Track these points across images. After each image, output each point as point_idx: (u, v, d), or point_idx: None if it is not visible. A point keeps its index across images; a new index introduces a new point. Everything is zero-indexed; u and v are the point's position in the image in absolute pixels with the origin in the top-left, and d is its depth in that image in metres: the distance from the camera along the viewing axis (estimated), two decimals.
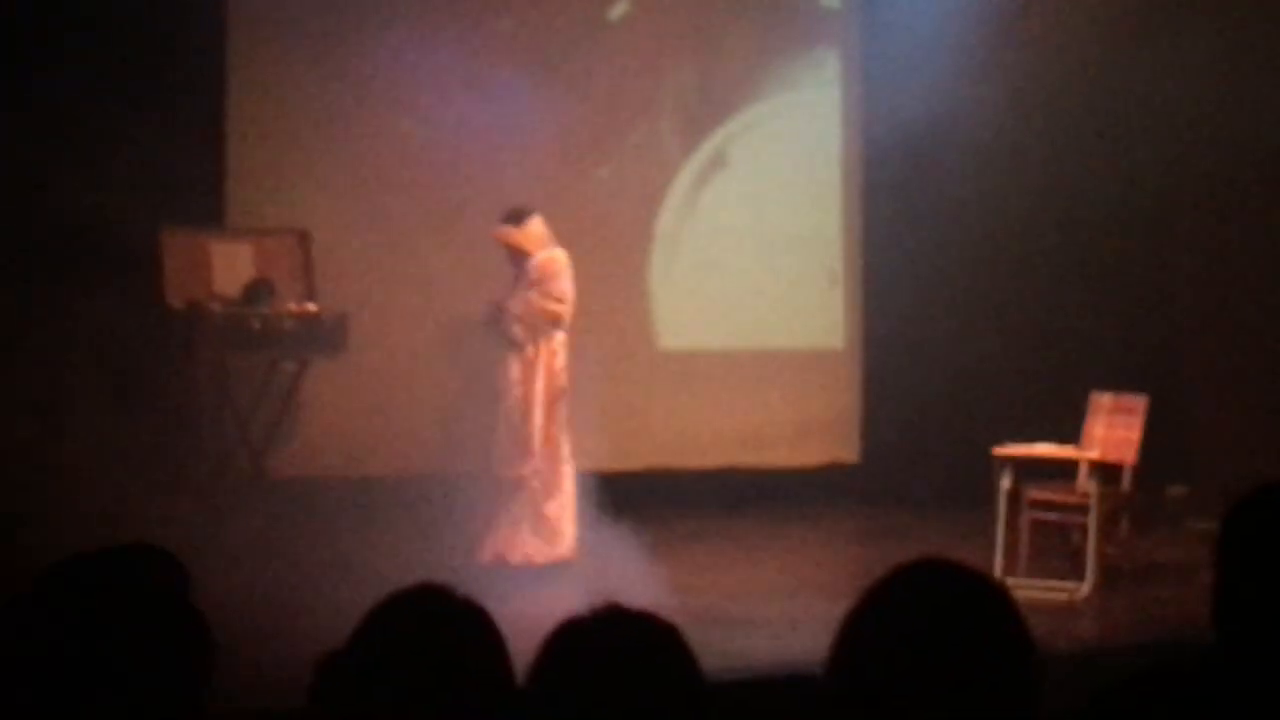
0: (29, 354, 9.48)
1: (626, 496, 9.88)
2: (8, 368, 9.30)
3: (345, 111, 11.48)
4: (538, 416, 9.81)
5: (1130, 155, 12.46)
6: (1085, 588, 9.52)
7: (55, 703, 2.46)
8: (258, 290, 10.75)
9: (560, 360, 9.85)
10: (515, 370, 9.82)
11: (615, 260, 12.26)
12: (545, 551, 9.72)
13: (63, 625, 2.51)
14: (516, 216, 9.94)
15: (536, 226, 9.93)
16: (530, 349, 9.83)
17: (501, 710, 2.61)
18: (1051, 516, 9.81)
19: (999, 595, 2.58)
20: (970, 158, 12.33)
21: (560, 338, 9.86)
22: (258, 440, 10.92)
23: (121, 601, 2.55)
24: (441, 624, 2.68)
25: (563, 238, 11.94)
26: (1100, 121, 12.51)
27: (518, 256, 9.91)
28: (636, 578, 8.88)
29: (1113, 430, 9.94)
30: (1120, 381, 10.34)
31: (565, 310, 9.87)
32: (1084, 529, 9.67)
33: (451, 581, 2.75)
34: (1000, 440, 9.85)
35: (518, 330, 9.82)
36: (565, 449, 9.86)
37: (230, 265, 10.80)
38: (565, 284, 9.89)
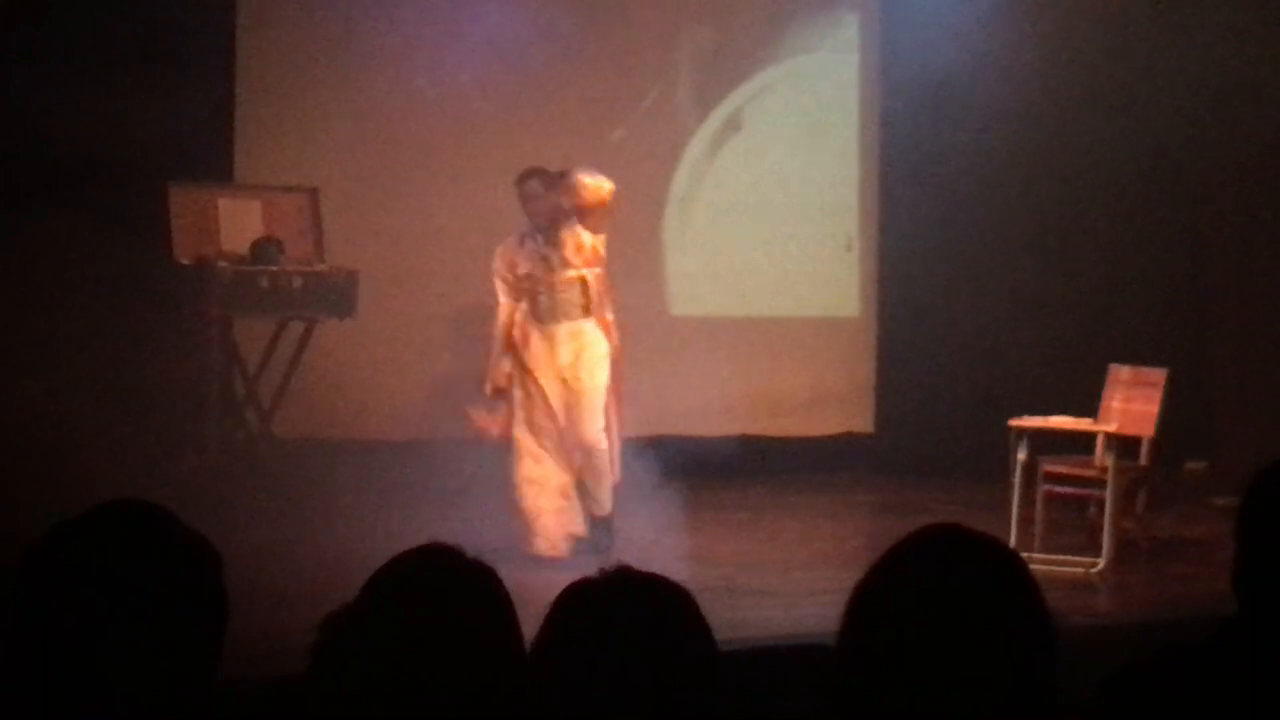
0: (32, 307, 9.43)
1: (640, 463, 9.80)
2: (8, 319, 9.24)
3: (357, 68, 11.41)
4: None
5: (1159, 122, 12.31)
6: (1101, 562, 9.45)
7: (61, 662, 2.42)
8: (266, 248, 10.70)
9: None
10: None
11: (628, 224, 12.14)
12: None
13: (68, 585, 2.46)
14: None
15: None
16: None
17: (508, 672, 2.57)
18: (1068, 490, 9.77)
19: (1014, 563, 2.53)
20: (990, 123, 12.23)
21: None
22: (265, 400, 10.88)
23: (129, 559, 2.50)
24: (448, 584, 2.63)
25: None
26: (1128, 86, 12.37)
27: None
28: (648, 545, 8.85)
29: (1131, 403, 9.86)
30: (1139, 355, 10.26)
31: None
32: (1101, 503, 9.61)
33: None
34: (1016, 412, 9.77)
35: None
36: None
37: (238, 222, 10.75)
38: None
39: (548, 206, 9.50)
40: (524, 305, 9.52)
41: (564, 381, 9.40)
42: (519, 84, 11.69)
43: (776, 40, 12.59)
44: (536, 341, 9.46)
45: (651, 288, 12.32)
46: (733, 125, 12.56)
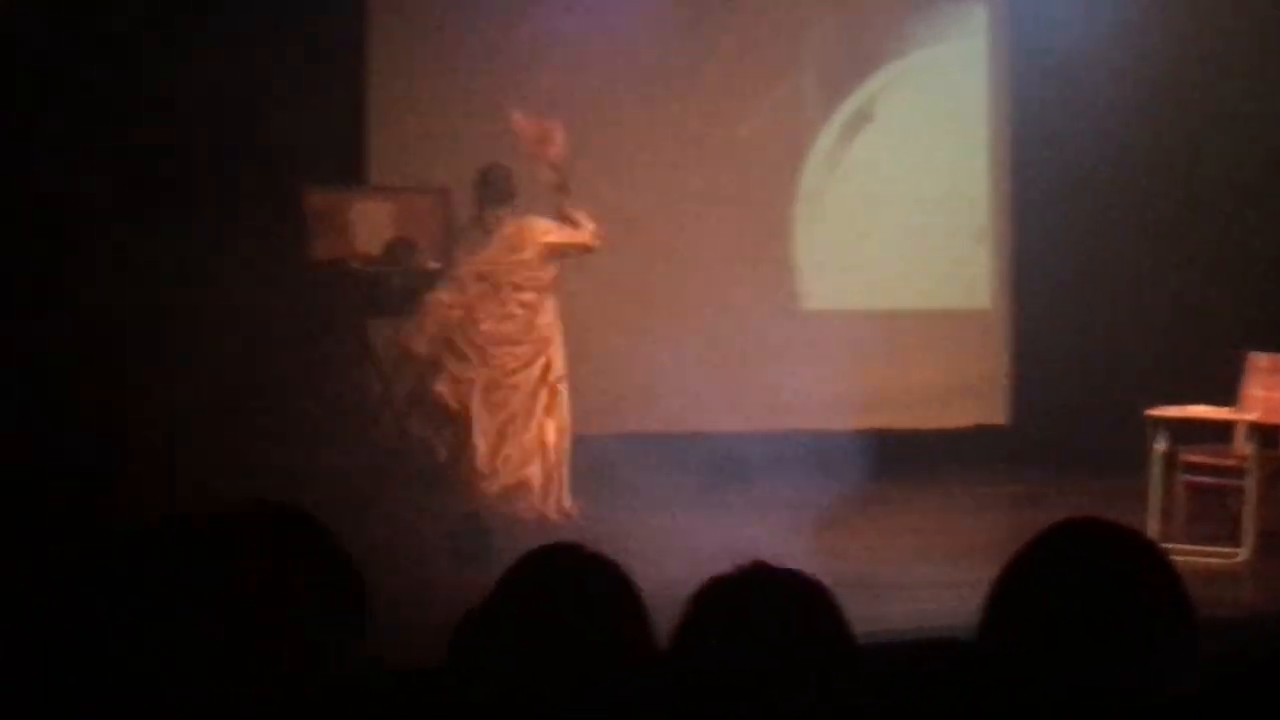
0: (169, 310, 9.55)
1: (773, 458, 9.78)
2: (146, 322, 9.36)
3: (486, 68, 11.44)
4: None
5: None
6: (1243, 553, 9.32)
7: (205, 653, 2.47)
8: (399, 249, 10.77)
9: None
10: None
11: (757, 220, 12.16)
12: None
13: (213, 580, 2.51)
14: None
15: None
16: None
17: (642, 667, 2.57)
18: (1207, 480, 9.63)
19: (1155, 555, 2.53)
20: (1120, 111, 12.08)
21: None
22: (400, 401, 10.94)
23: (272, 556, 2.55)
24: (578, 581, 2.64)
25: (704, 196, 11.92)
26: (1260, 70, 12.18)
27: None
28: (781, 540, 8.83)
29: (1272, 392, 9.71)
30: (1277, 342, 10.10)
31: None
32: (1241, 493, 9.47)
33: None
34: (1153, 402, 9.66)
35: None
36: None
37: (371, 224, 10.84)
38: None
39: None
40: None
41: None
42: (646, 80, 11.70)
43: (905, 31, 12.51)
44: None
45: (782, 282, 12.29)
46: (862, 117, 12.49)
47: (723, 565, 2.60)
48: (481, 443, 9.84)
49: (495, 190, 9.92)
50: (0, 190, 9.30)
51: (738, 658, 2.45)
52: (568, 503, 9.90)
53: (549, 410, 9.94)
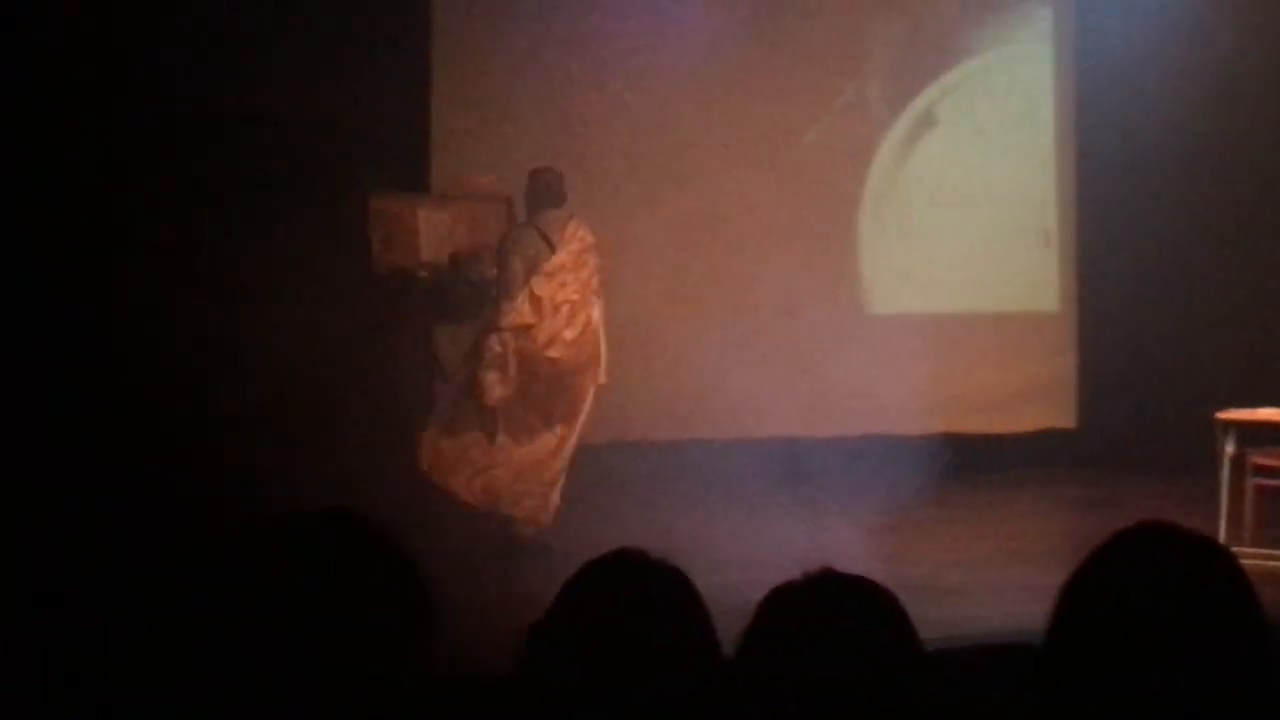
0: (238, 317, 9.59)
1: (840, 463, 9.76)
2: (214, 330, 9.40)
3: (552, 74, 11.47)
4: None
5: None
6: None
7: (273, 657, 2.48)
8: (464, 258, 10.80)
9: None
10: None
11: (823, 224, 12.15)
12: None
13: (282, 585, 2.52)
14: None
15: None
16: None
17: (708, 674, 2.57)
18: (1277, 483, 9.55)
19: (1225, 559, 2.51)
20: (1188, 113, 12.01)
21: None
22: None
23: (340, 563, 2.55)
24: (644, 587, 2.64)
25: (770, 201, 11.91)
26: None
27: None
28: (848, 545, 8.81)
29: None
30: None
31: None
32: None
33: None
34: (1221, 404, 9.59)
35: None
36: None
37: (437, 232, 10.86)
38: None
39: None
40: None
41: None
42: (713, 86, 11.70)
43: (969, 33, 12.48)
44: None
45: (848, 286, 12.28)
46: (927, 121, 12.47)
47: (789, 572, 2.60)
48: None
49: (550, 194, 9.83)
50: (67, 194, 9.37)
51: (805, 665, 2.45)
52: (557, 499, 9.77)
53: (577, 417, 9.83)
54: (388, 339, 10.55)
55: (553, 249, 9.76)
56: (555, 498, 9.61)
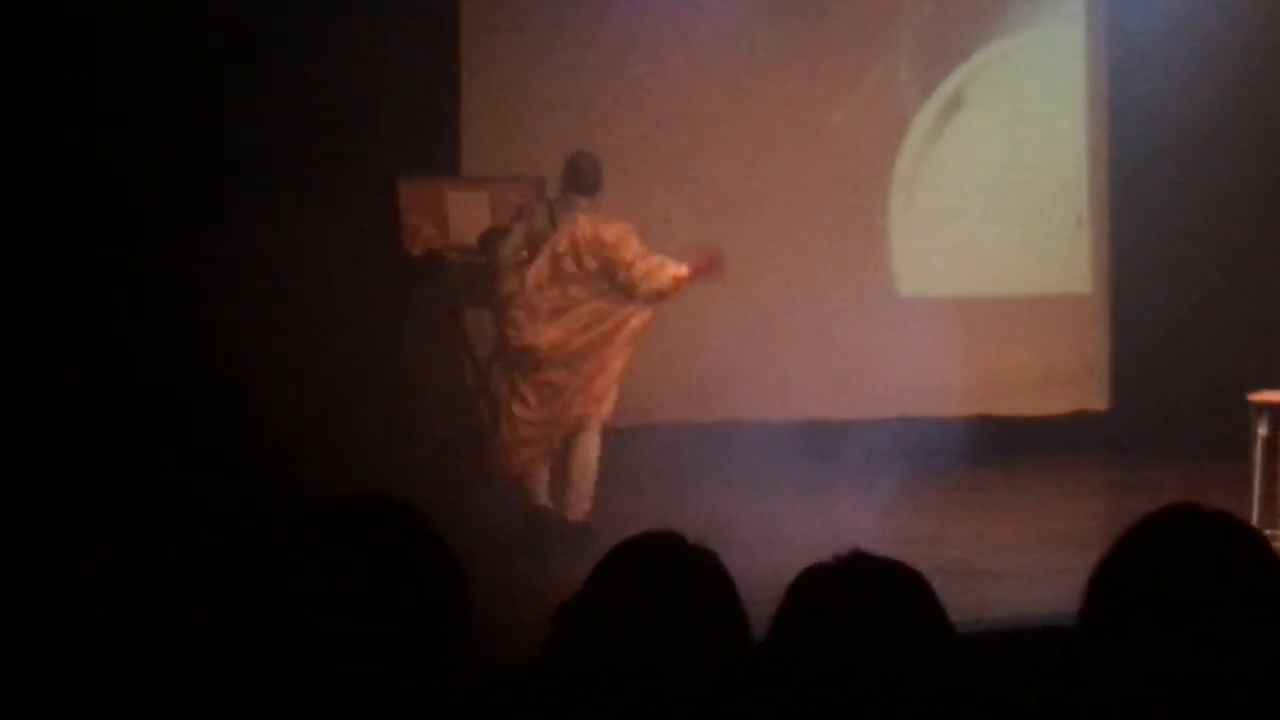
0: (263, 301, 9.60)
1: (871, 445, 9.75)
2: (240, 316, 9.41)
3: (581, 56, 11.46)
4: None
5: None
6: None
7: (322, 648, 2.49)
8: (494, 239, 10.78)
9: None
10: None
11: (852, 205, 12.12)
12: None
13: (320, 575, 2.53)
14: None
15: None
16: None
17: (738, 656, 2.58)
18: None
19: (1258, 542, 2.50)
20: (1224, 92, 11.96)
21: None
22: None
23: (378, 551, 2.56)
24: (674, 570, 2.65)
25: (799, 183, 11.89)
26: None
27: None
28: (879, 528, 8.81)
29: None
30: None
31: None
32: None
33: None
34: (1254, 386, 9.56)
35: None
36: None
37: (466, 214, 10.86)
38: None
39: None
40: None
41: None
42: (740, 69, 11.68)
43: (999, 14, 12.43)
44: None
45: (879, 269, 12.25)
46: (957, 103, 12.42)
47: (820, 554, 2.59)
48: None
49: (581, 179, 9.54)
50: (97, 182, 9.38)
51: (835, 647, 2.45)
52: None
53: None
54: (418, 321, 10.56)
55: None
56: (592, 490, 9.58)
